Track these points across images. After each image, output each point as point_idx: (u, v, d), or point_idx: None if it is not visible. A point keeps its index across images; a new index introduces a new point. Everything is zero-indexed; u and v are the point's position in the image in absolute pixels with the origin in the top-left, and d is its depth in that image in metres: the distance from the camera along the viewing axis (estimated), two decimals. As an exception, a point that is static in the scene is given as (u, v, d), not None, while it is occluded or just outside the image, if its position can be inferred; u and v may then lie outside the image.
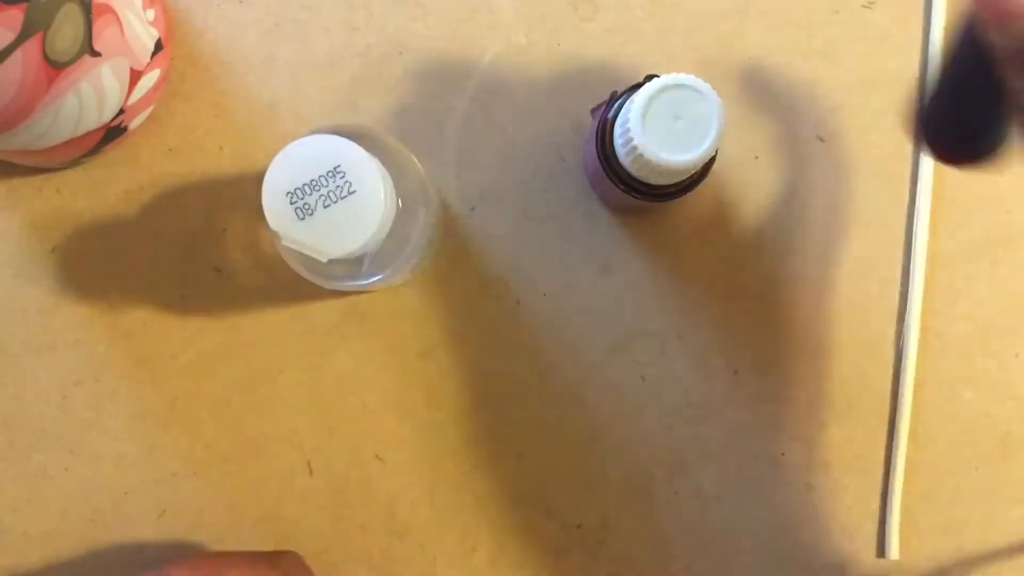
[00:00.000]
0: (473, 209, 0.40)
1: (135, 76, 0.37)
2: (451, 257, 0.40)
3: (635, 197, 0.35)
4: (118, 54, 0.35)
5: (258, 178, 0.41)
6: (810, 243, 0.41)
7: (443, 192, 0.40)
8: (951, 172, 0.41)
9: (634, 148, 0.32)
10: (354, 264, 0.33)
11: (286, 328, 0.40)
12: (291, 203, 0.29)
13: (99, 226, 0.40)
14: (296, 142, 0.30)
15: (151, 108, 0.40)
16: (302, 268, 0.33)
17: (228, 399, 0.40)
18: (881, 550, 0.40)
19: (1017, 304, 0.41)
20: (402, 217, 0.33)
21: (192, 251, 0.40)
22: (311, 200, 0.29)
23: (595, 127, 0.36)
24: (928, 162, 0.41)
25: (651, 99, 0.32)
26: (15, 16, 0.30)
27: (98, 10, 0.33)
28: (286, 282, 0.40)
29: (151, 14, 0.38)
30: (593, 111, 0.37)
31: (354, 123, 0.34)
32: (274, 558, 0.36)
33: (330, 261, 0.30)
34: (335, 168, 0.29)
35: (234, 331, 0.40)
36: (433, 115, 0.40)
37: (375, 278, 0.34)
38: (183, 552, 0.39)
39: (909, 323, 0.40)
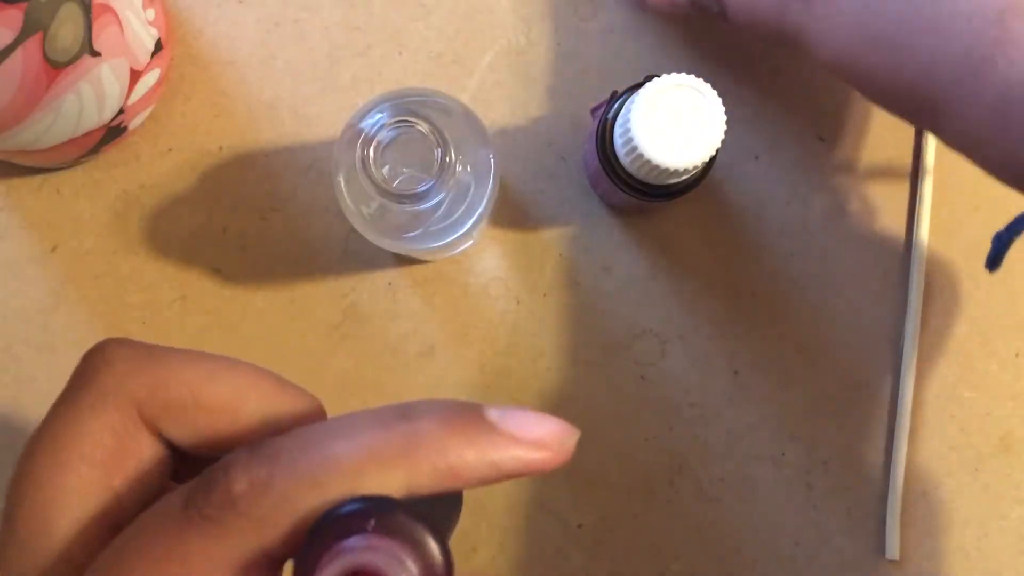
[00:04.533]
0: (473, 209, 0.40)
1: (135, 76, 0.37)
2: (451, 257, 0.40)
3: (635, 197, 0.35)
4: (118, 54, 0.35)
5: (259, 177, 0.41)
6: (810, 243, 0.41)
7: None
8: (951, 172, 0.41)
9: (634, 148, 0.32)
10: (422, 219, 0.34)
11: (286, 328, 0.40)
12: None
13: (99, 226, 0.40)
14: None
15: (151, 108, 0.40)
16: (363, 222, 0.34)
17: (228, 399, 0.40)
18: (881, 550, 0.40)
19: (1017, 304, 0.41)
20: (469, 185, 0.33)
21: (192, 251, 0.40)
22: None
23: (595, 127, 0.36)
24: (929, 162, 0.41)
25: (651, 99, 0.32)
26: (15, 16, 0.30)
27: (98, 10, 0.33)
28: (286, 282, 0.40)
29: (151, 14, 0.38)
30: (593, 111, 0.37)
31: (427, 88, 0.35)
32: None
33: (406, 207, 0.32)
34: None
35: (234, 331, 0.40)
36: (433, 115, 0.40)
37: (440, 242, 0.34)
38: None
39: (909, 323, 0.40)
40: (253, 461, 0.19)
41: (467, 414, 0.20)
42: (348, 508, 0.18)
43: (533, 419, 0.20)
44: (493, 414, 0.20)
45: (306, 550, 0.18)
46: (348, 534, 0.17)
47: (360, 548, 0.17)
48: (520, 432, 0.20)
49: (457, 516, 0.24)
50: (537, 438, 0.20)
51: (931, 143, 0.41)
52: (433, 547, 0.18)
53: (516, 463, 0.20)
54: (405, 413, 0.20)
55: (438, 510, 0.22)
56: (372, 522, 0.17)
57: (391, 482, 0.19)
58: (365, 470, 0.19)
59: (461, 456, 0.19)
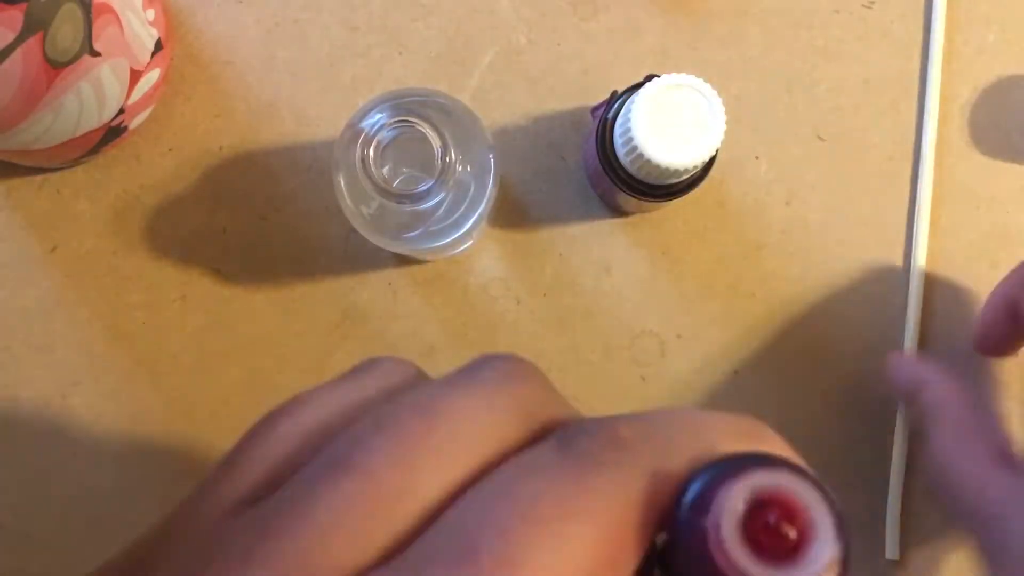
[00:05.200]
0: (473, 209, 0.40)
1: (135, 76, 0.37)
2: (451, 256, 0.40)
3: (635, 197, 0.35)
4: (118, 54, 0.35)
5: (259, 177, 0.41)
6: (810, 243, 0.41)
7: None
8: (951, 172, 0.41)
9: (634, 148, 0.32)
10: (422, 219, 0.34)
11: (286, 328, 0.40)
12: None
13: (99, 226, 0.40)
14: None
15: (151, 108, 0.40)
16: (363, 224, 0.34)
17: (228, 399, 0.40)
18: (881, 550, 0.40)
19: (1017, 304, 0.41)
20: (469, 185, 0.33)
21: (192, 251, 0.40)
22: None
23: (595, 127, 0.36)
24: (928, 162, 0.41)
25: (651, 99, 0.32)
26: (15, 16, 0.30)
27: (98, 10, 0.33)
28: (286, 282, 0.40)
29: (151, 14, 0.38)
30: (593, 111, 0.37)
31: (427, 88, 0.35)
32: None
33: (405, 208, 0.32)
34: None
35: (234, 331, 0.40)
36: (433, 115, 0.40)
37: (440, 242, 0.34)
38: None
39: (909, 323, 0.40)
40: (628, 418, 0.17)
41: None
42: (740, 457, 0.15)
43: None
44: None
45: (699, 489, 0.15)
46: (744, 470, 0.14)
47: (776, 476, 0.14)
48: None
49: None
50: None
51: (931, 142, 0.41)
52: (838, 509, 0.15)
53: None
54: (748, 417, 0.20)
55: None
56: (761, 460, 0.15)
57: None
58: (736, 440, 0.18)
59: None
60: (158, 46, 0.38)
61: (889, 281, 0.41)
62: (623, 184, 0.35)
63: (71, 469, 0.40)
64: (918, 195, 0.41)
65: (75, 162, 0.40)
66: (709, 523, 0.14)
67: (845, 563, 0.14)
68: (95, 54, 0.34)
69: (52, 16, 0.31)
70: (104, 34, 0.34)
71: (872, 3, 0.41)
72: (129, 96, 0.37)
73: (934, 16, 0.41)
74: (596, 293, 0.40)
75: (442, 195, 0.33)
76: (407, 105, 0.33)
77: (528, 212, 0.41)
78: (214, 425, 0.40)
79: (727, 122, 0.32)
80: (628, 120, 0.32)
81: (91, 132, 0.37)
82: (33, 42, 0.31)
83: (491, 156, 0.34)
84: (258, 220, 0.40)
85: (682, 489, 0.15)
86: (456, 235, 0.34)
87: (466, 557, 0.15)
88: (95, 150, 0.39)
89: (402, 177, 0.33)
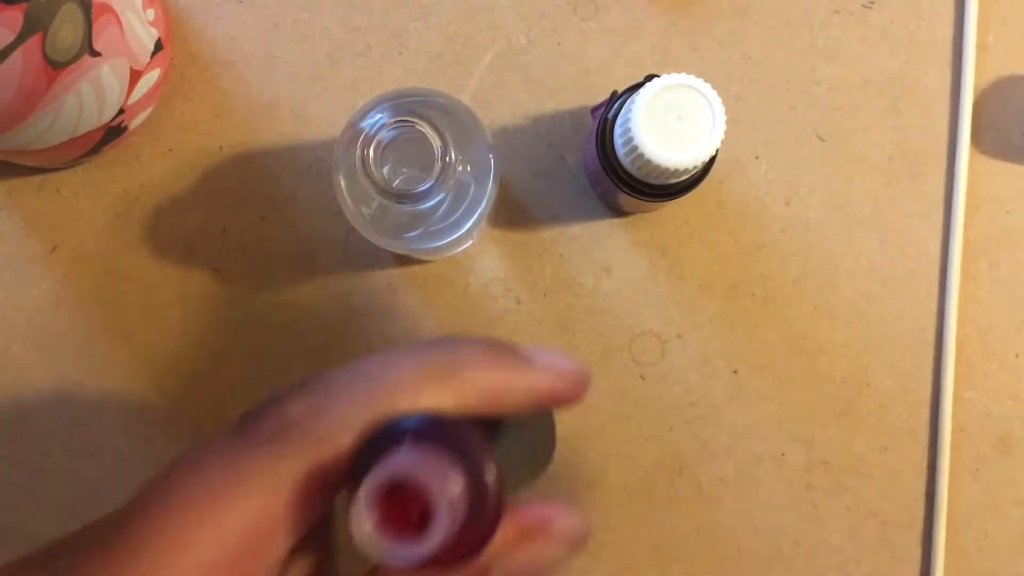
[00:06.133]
0: (473, 209, 0.40)
1: (135, 76, 0.37)
2: (451, 256, 0.40)
3: (635, 197, 0.35)
4: (118, 54, 0.35)
5: (259, 177, 0.41)
6: (810, 243, 0.41)
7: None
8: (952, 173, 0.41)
9: (634, 148, 0.32)
10: (422, 219, 0.34)
11: (286, 328, 0.40)
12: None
13: (99, 226, 0.40)
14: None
15: (151, 108, 0.40)
16: (370, 230, 0.34)
17: (228, 399, 0.40)
18: (881, 550, 0.40)
19: (1017, 304, 0.41)
20: (469, 185, 0.33)
21: (192, 251, 0.40)
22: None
23: (595, 127, 0.36)
24: (930, 161, 0.41)
25: (651, 99, 0.32)
26: (15, 16, 0.30)
27: (98, 10, 0.33)
28: (286, 282, 0.40)
29: (151, 14, 0.38)
30: (593, 111, 0.37)
31: (427, 88, 0.35)
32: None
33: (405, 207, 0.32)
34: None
35: (234, 331, 0.40)
36: (433, 115, 0.40)
37: (440, 242, 0.34)
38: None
39: (943, 320, 0.40)
40: (308, 390, 0.20)
41: (503, 346, 0.22)
42: (400, 423, 0.18)
43: (559, 356, 0.23)
44: (526, 349, 0.22)
45: (358, 463, 0.18)
46: (397, 446, 0.18)
47: (404, 462, 0.17)
48: (551, 365, 0.23)
49: (549, 456, 0.25)
50: (565, 371, 0.23)
51: (933, 140, 0.41)
52: (482, 462, 0.18)
53: (549, 389, 0.23)
54: (446, 344, 0.22)
55: (525, 448, 0.24)
56: (411, 433, 0.18)
57: (441, 401, 0.20)
58: (417, 390, 0.20)
59: (502, 379, 0.21)
60: (158, 46, 0.38)
61: (890, 280, 0.41)
62: (623, 184, 0.35)
63: (71, 469, 0.40)
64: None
65: (75, 162, 0.40)
66: (355, 499, 0.17)
67: (473, 540, 0.17)
68: (95, 54, 0.34)
69: (52, 16, 0.31)
70: (104, 34, 0.34)
71: (872, 3, 0.41)
72: (129, 96, 0.37)
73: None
74: (596, 293, 0.40)
75: (442, 195, 0.33)
76: (407, 105, 0.33)
77: (528, 212, 0.41)
78: (214, 425, 0.40)
79: (727, 122, 0.32)
80: (628, 120, 0.32)
81: (91, 132, 0.37)
82: (33, 42, 0.31)
83: (491, 156, 0.34)
84: (258, 220, 0.40)
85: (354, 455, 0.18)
86: (456, 235, 0.34)
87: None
88: (95, 150, 0.39)
89: (402, 177, 0.33)
